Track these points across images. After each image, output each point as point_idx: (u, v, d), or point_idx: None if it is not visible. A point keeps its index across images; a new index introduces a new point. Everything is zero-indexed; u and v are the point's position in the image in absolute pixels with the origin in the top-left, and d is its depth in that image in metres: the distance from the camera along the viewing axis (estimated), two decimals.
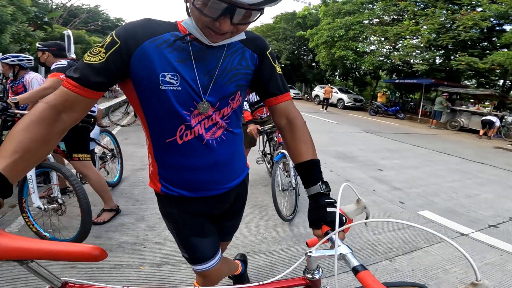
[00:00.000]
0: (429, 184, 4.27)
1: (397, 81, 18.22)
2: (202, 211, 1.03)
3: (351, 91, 20.86)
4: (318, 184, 0.88)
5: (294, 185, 2.71)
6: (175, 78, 0.82)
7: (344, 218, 0.81)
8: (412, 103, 19.55)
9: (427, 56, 14.53)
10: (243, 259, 1.83)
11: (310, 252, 0.72)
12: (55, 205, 2.08)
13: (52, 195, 2.09)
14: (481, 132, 10.65)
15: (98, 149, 3.14)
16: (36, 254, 0.56)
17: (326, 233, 0.78)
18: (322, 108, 16.16)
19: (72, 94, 0.76)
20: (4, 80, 8.18)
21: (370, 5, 18.78)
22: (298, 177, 3.03)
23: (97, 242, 2.11)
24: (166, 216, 1.06)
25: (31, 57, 2.96)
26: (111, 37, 0.79)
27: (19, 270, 1.72)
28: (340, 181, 4.04)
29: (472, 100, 13.99)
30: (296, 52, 26.73)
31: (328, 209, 0.83)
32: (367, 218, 0.86)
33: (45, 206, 2.04)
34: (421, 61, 14.81)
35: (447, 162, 5.94)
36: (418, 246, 2.42)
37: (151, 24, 0.83)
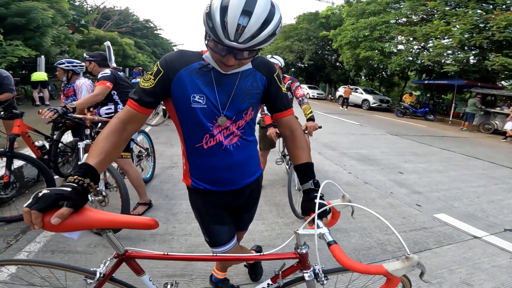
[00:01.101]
0: (452, 188, 4.24)
1: (426, 81, 17.58)
2: (222, 203, 1.28)
3: (377, 92, 20.39)
4: (310, 181, 1.13)
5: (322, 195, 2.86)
6: (202, 98, 1.08)
7: (328, 208, 1.03)
8: (443, 105, 18.76)
9: (460, 56, 13.93)
10: (258, 250, 2.05)
11: (297, 230, 0.96)
12: (100, 197, 2.41)
13: (98, 189, 2.42)
14: None
15: (135, 148, 3.50)
16: (115, 223, 0.87)
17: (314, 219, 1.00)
18: (342, 107, 17.50)
19: (133, 111, 1.05)
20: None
21: (396, 5, 18.25)
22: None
23: (133, 232, 2.41)
24: (194, 206, 1.32)
25: (83, 64, 3.29)
26: (157, 67, 1.06)
27: (69, 257, 2.06)
28: (358, 183, 4.13)
29: (509, 102, 13.22)
30: (319, 52, 26.51)
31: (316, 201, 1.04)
32: (352, 211, 1.08)
33: (92, 198, 2.37)
34: (453, 62, 14.21)
35: (474, 166, 5.78)
36: (428, 247, 2.51)
37: (183, 56, 1.09)
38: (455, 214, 3.27)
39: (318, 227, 0.93)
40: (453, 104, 15.46)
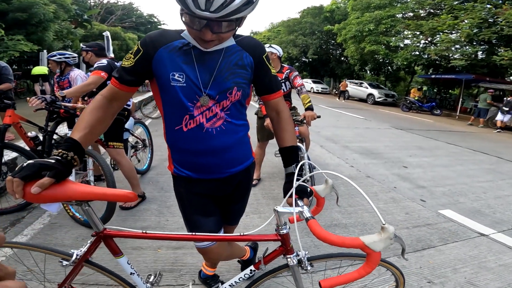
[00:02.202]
0: (457, 183, 4.11)
1: (433, 76, 17.30)
2: (206, 192, 1.18)
3: (382, 86, 20.14)
4: (293, 165, 1.13)
5: (308, 178, 2.76)
6: (182, 77, 1.01)
7: (308, 189, 1.06)
8: (450, 99, 18.46)
9: (469, 50, 13.64)
10: (254, 246, 1.94)
11: (277, 207, 0.95)
12: None
13: (87, 179, 2.35)
14: None
15: (131, 139, 3.43)
16: (95, 195, 0.86)
17: (296, 201, 0.99)
18: (339, 99, 18.86)
19: (115, 89, 1.04)
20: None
21: None
22: (314, 170, 3.09)
23: (123, 225, 2.30)
24: (176, 194, 1.24)
25: (75, 55, 3.26)
26: (137, 46, 1.03)
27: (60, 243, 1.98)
28: (360, 176, 4.01)
29: None
30: (324, 46, 26.23)
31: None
32: (337, 197, 1.08)
33: None
34: (461, 56, 13.93)
35: (481, 161, 5.62)
36: (432, 244, 2.39)
37: (164, 34, 1.04)
38: (460, 210, 3.14)
39: (297, 205, 0.93)
40: (461, 99, 15.19)
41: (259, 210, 2.79)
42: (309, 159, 2.91)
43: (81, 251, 0.97)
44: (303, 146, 2.86)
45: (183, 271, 1.84)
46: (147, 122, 6.57)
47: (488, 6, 13.01)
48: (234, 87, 1.06)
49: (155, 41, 1.01)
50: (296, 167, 1.09)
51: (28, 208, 2.52)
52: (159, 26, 35.28)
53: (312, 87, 22.73)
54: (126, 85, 1.03)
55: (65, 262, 0.96)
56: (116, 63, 2.82)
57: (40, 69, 9.07)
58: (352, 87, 19.30)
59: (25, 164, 0.77)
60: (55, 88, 3.39)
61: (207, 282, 1.65)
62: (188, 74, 1.01)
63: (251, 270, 1.10)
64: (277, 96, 1.17)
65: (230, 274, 1.85)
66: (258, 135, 3.32)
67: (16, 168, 0.77)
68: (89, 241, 0.98)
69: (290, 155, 1.15)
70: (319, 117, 2.82)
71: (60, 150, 0.85)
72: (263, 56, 1.11)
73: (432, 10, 16.36)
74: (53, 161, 0.81)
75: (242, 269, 1.83)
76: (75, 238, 2.12)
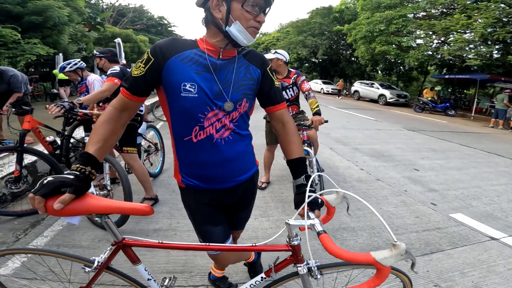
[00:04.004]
0: (471, 186, 4.04)
1: (446, 76, 16.93)
2: (214, 202, 1.23)
3: (394, 87, 19.85)
4: (302, 177, 1.15)
5: (316, 181, 2.78)
6: (193, 87, 1.03)
7: (320, 200, 1.07)
8: (465, 99, 18.03)
9: (484, 50, 13.31)
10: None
11: (288, 220, 0.98)
12: (105, 191, 2.43)
13: (103, 183, 2.45)
14: None
15: (144, 143, 3.52)
16: (113, 209, 0.93)
17: (307, 213, 0.99)
18: (338, 97, 20.65)
19: (125, 99, 1.06)
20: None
21: None
22: (323, 173, 3.13)
23: (137, 228, 2.43)
24: (186, 206, 1.28)
25: (77, 59, 3.40)
26: (147, 55, 1.03)
27: (73, 251, 2.07)
28: (370, 179, 4.00)
29: None
30: (334, 47, 26.05)
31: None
32: (348, 207, 1.10)
33: (97, 193, 2.39)
34: (475, 56, 13.61)
35: (496, 164, 5.50)
36: (441, 248, 2.38)
37: (175, 43, 1.06)
38: (472, 214, 3.10)
39: (309, 218, 0.95)
40: (476, 99, 14.83)
41: (267, 213, 2.84)
42: (317, 162, 2.93)
43: (102, 258, 1.03)
44: (311, 150, 2.89)
45: (194, 273, 1.90)
46: (159, 125, 6.69)
47: (502, 5, 12.66)
48: (244, 98, 1.10)
49: (166, 50, 1.02)
50: (305, 179, 1.13)
51: None
52: (169, 28, 35.76)
53: (322, 88, 22.60)
54: (137, 95, 1.05)
55: (87, 269, 1.03)
56: (128, 69, 2.92)
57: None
58: (362, 88, 19.13)
59: (45, 181, 0.83)
60: (77, 93, 3.52)
61: (216, 284, 1.71)
62: (201, 84, 1.03)
63: (261, 277, 1.13)
64: (282, 107, 1.21)
65: (238, 276, 1.90)
66: (267, 139, 3.36)
67: (37, 185, 0.83)
68: (108, 248, 1.04)
69: (298, 167, 1.17)
70: (326, 121, 2.84)
71: (78, 165, 0.90)
72: (268, 68, 1.17)
73: (444, 10, 16.05)
74: (72, 177, 0.86)
75: (249, 270, 1.89)
76: (92, 240, 2.21)
